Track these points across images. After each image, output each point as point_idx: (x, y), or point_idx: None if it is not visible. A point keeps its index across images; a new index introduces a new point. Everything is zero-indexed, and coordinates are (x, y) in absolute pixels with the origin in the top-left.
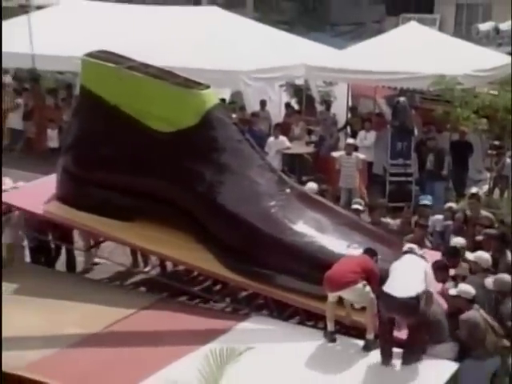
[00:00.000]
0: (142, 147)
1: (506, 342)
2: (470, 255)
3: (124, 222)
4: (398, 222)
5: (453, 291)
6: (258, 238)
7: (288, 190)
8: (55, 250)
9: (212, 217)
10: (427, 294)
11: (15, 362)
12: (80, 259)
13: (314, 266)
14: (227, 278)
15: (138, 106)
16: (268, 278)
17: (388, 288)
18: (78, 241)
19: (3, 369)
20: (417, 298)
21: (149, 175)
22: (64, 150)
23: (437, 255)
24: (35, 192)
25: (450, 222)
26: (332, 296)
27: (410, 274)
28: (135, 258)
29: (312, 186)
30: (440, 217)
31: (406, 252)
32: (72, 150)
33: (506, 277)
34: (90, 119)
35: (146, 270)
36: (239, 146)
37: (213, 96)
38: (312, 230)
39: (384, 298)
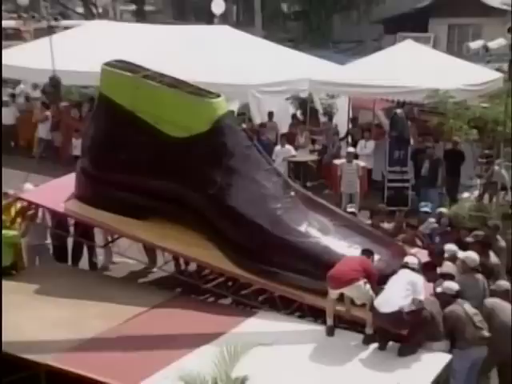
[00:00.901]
0: (156, 151)
1: (485, 333)
2: (460, 254)
3: (139, 220)
4: (391, 225)
5: (438, 289)
6: (265, 237)
7: (293, 193)
8: (78, 248)
9: (222, 217)
10: (415, 302)
11: (44, 352)
12: (99, 258)
13: (318, 264)
14: (236, 275)
15: (152, 112)
16: (274, 274)
17: (376, 303)
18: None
19: (33, 359)
20: (399, 312)
21: (162, 177)
22: (82, 152)
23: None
24: (54, 191)
25: (436, 225)
26: (333, 293)
27: (396, 290)
28: (150, 255)
29: None
30: (433, 220)
31: (402, 266)
32: (90, 152)
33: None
34: (108, 124)
35: (160, 266)
36: (247, 152)
37: (223, 104)
38: (316, 230)
39: (374, 312)
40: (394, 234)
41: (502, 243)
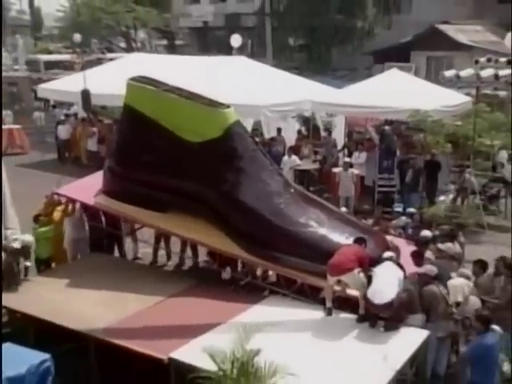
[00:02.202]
0: (174, 153)
1: (454, 310)
2: (440, 245)
3: (159, 213)
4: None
5: (421, 269)
6: (270, 227)
7: (292, 190)
8: (111, 241)
9: (233, 211)
10: (399, 293)
11: (92, 327)
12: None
13: (316, 250)
14: (247, 259)
15: (172, 120)
16: (277, 259)
17: (370, 294)
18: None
19: (85, 332)
20: (391, 303)
21: (180, 175)
22: (109, 153)
23: (400, 241)
24: (85, 187)
25: (409, 220)
26: (332, 280)
27: (387, 282)
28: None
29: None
30: (403, 217)
31: (385, 259)
32: (116, 154)
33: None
34: (132, 129)
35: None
36: (254, 154)
37: (233, 114)
38: (314, 222)
39: (367, 302)
40: (372, 225)
41: (462, 239)
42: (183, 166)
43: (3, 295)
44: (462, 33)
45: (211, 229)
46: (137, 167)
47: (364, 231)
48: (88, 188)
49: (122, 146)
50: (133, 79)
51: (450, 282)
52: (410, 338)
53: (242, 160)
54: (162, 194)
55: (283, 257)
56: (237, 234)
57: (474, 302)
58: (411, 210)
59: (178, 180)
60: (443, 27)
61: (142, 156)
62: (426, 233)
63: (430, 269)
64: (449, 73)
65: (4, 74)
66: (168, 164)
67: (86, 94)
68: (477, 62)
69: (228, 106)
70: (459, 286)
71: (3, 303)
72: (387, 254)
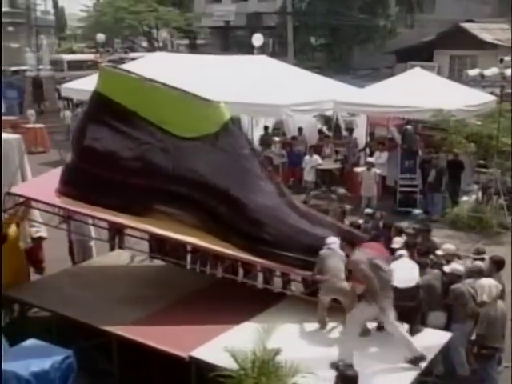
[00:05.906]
0: (160, 149)
1: (480, 310)
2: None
3: (139, 216)
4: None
5: (447, 269)
6: (269, 225)
7: (286, 193)
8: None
9: (230, 209)
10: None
11: (115, 324)
12: None
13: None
14: (240, 258)
15: (157, 113)
16: (276, 256)
17: (395, 282)
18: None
19: (107, 329)
20: (417, 287)
21: (167, 173)
22: (76, 150)
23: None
24: (46, 184)
25: (369, 224)
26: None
27: (407, 272)
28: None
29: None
30: (360, 221)
31: (399, 256)
32: (85, 151)
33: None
34: (106, 123)
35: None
36: (251, 153)
37: (227, 110)
38: (316, 222)
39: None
40: None
41: None
42: (171, 162)
43: (24, 290)
44: (486, 31)
45: (199, 231)
46: (111, 165)
47: (351, 236)
48: (49, 185)
49: (92, 142)
50: (107, 66)
51: (479, 282)
52: (432, 340)
53: (240, 157)
54: (142, 195)
55: (283, 254)
56: (232, 233)
57: (501, 307)
58: (368, 210)
59: (164, 178)
60: (467, 26)
61: (119, 153)
62: (398, 239)
63: (456, 268)
64: (472, 72)
65: (28, 73)
66: (151, 161)
67: (39, 83)
68: (501, 60)
69: (219, 102)
70: (487, 286)
71: (25, 299)
72: (399, 252)
